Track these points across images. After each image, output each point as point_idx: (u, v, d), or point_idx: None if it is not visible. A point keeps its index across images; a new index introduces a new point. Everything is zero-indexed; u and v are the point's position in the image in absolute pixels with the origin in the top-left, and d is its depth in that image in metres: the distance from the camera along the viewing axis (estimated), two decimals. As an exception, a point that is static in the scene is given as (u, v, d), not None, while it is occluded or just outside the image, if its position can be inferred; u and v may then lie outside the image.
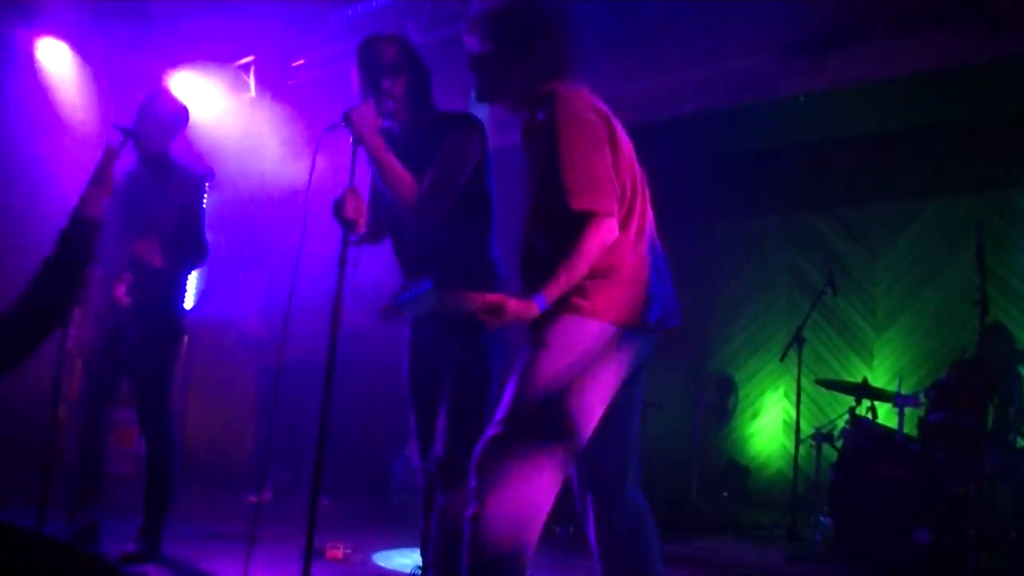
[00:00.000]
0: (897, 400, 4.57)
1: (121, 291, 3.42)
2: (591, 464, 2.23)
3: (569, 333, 2.06)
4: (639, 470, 2.27)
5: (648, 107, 5.56)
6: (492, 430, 2.05)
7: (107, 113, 5.97)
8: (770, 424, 6.65)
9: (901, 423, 4.46)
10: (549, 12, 2.23)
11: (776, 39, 5.11)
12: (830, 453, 4.81)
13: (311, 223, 2.57)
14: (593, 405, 2.06)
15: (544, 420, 2.02)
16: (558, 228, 2.07)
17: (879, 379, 5.90)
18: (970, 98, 5.32)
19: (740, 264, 7.03)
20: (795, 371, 5.04)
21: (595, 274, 2.06)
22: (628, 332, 2.09)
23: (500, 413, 2.07)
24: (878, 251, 6.41)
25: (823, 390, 5.60)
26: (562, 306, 2.06)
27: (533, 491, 1.99)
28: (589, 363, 2.05)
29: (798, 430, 5.02)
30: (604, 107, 2.16)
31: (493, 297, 2.07)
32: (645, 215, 2.19)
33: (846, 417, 4.75)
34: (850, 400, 4.86)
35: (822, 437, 4.87)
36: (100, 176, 2.52)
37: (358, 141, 2.48)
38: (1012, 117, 5.38)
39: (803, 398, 5.23)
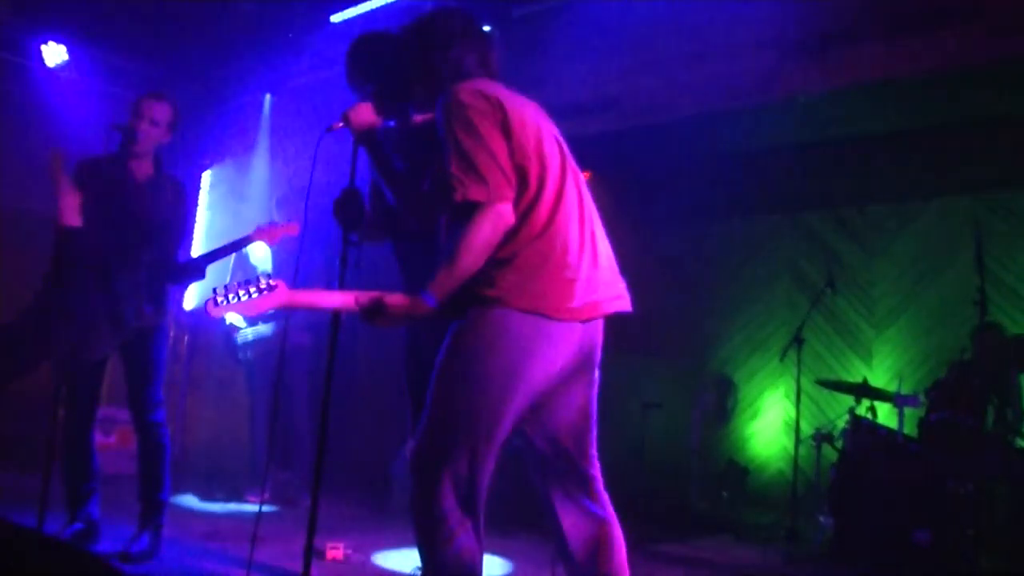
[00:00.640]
0: (897, 400, 4.56)
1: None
2: (542, 467, 2.18)
3: (479, 325, 2.02)
4: (596, 476, 2.18)
5: (648, 107, 5.55)
6: (417, 439, 2.03)
7: (106, 113, 5.96)
8: (770, 424, 6.64)
9: (901, 423, 4.46)
10: (447, 24, 2.27)
11: (776, 39, 5.11)
12: (830, 453, 4.81)
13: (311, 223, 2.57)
14: (513, 396, 2.01)
15: (463, 418, 1.99)
16: (457, 221, 2.05)
17: (879, 379, 5.89)
18: (970, 98, 5.31)
19: (740, 264, 7.01)
20: (795, 371, 5.04)
21: (501, 261, 2.02)
22: (548, 319, 2.02)
23: (423, 420, 2.04)
24: (878, 251, 6.40)
25: (823, 390, 5.60)
26: (472, 298, 2.03)
27: (459, 492, 1.99)
28: (504, 354, 2.00)
29: (798, 430, 5.01)
30: (503, 94, 2.13)
31: (366, 296, 2.07)
32: (563, 196, 2.11)
33: (846, 417, 4.75)
34: (850, 400, 4.86)
35: (822, 437, 4.87)
36: (59, 187, 2.64)
37: (358, 141, 2.48)
38: (1012, 117, 5.37)
39: (803, 398, 5.22)
